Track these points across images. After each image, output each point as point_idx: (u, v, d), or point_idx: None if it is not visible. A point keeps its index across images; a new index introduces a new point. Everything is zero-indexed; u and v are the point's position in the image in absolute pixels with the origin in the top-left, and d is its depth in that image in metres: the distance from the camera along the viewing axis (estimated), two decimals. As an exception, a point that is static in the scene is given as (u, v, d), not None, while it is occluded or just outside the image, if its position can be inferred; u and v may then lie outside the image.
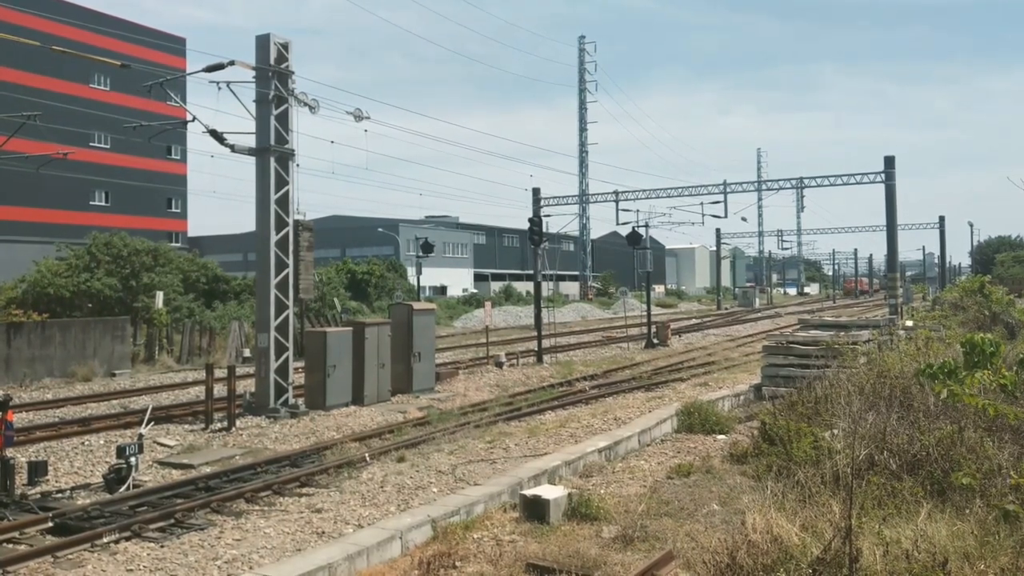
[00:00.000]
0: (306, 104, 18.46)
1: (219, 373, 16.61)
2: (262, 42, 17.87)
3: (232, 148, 17.48)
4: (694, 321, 52.45)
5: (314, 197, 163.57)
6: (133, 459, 11.46)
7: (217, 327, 30.95)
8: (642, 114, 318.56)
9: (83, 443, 14.32)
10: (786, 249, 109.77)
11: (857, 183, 43.73)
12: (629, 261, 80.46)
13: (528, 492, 9.85)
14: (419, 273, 48.13)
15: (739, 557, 6.49)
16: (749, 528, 7.08)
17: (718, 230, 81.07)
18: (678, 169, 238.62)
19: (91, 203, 63.67)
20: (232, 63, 16.97)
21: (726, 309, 73.55)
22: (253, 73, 17.80)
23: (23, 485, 11.28)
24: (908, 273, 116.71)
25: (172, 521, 9.70)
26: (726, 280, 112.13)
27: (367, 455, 12.87)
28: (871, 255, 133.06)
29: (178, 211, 72.65)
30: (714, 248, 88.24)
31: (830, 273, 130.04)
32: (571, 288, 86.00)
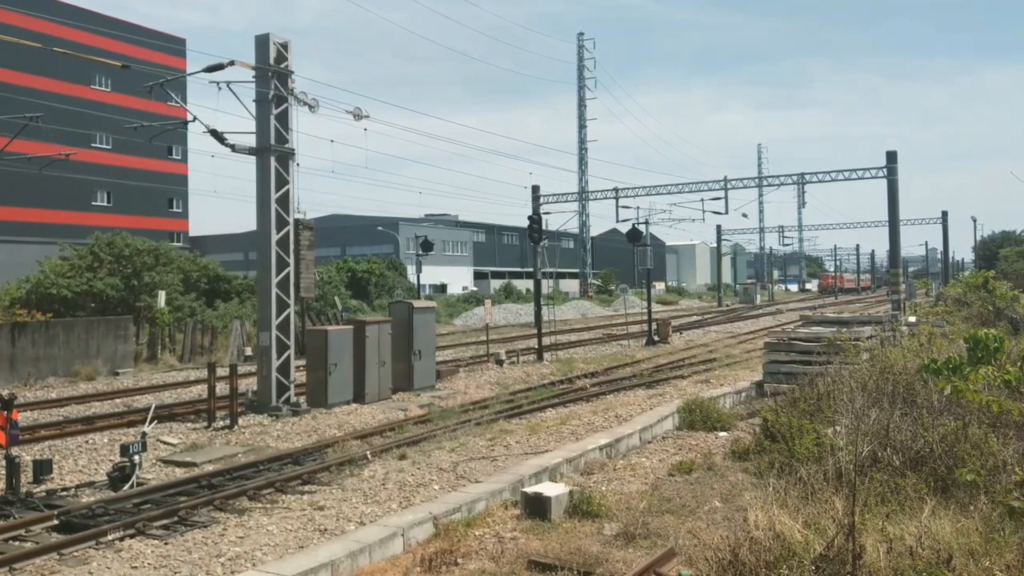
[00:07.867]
0: (306, 103, 18.46)
1: (221, 372, 16.61)
2: (261, 42, 17.87)
3: (232, 148, 17.49)
4: (695, 318, 52.39)
5: (314, 196, 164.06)
6: (137, 457, 11.50)
7: (219, 326, 31.01)
8: (641, 111, 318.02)
9: (87, 441, 14.36)
10: (787, 245, 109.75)
11: (859, 178, 43.75)
12: (629, 258, 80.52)
13: (529, 489, 9.85)
14: (419, 271, 48.13)
15: (741, 554, 6.49)
16: (751, 525, 7.08)
17: (719, 226, 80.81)
18: (678, 166, 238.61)
19: (93, 203, 63.77)
20: (232, 63, 16.96)
21: (727, 306, 73.54)
22: (253, 73, 17.80)
23: (28, 483, 11.30)
24: (911, 268, 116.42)
25: (176, 519, 9.72)
26: (727, 277, 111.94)
27: (369, 453, 12.89)
28: (873, 251, 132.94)
29: (179, 211, 72.71)
30: (715, 245, 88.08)
31: (832, 269, 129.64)
32: (571, 285, 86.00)
